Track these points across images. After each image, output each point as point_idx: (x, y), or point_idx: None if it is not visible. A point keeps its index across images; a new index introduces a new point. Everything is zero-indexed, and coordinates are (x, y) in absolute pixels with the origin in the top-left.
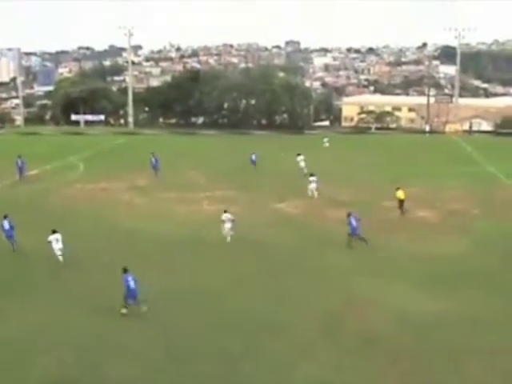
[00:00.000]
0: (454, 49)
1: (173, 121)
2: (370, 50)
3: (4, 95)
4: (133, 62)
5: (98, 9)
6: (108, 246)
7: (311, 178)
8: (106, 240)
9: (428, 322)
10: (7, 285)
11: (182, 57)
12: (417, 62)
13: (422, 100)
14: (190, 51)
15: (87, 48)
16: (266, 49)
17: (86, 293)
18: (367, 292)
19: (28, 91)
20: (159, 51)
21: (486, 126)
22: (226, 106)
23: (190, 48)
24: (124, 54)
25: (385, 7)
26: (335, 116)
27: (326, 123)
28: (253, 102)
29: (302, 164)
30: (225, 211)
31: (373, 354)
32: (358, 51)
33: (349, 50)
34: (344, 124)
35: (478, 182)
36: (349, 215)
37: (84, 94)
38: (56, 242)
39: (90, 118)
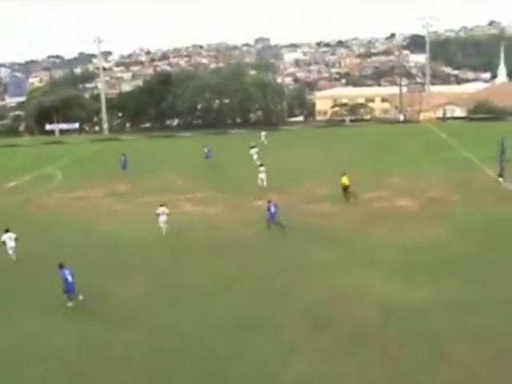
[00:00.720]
0: (422, 37)
1: (147, 125)
2: (340, 43)
3: None
4: (104, 68)
5: (66, 17)
6: (90, 251)
7: (261, 169)
8: (88, 246)
9: (411, 309)
10: None
11: (153, 60)
12: (386, 53)
13: (395, 90)
14: (160, 54)
15: (57, 56)
16: (236, 47)
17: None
18: (351, 284)
19: None
20: (129, 56)
21: (460, 113)
22: (199, 106)
23: (159, 51)
24: (94, 61)
25: None
26: (309, 111)
27: (300, 118)
28: (226, 101)
29: (255, 156)
30: (161, 205)
31: (362, 344)
32: (327, 45)
33: (318, 44)
34: (318, 118)
35: (455, 168)
36: (269, 202)
37: (56, 103)
38: (9, 241)
39: (64, 126)
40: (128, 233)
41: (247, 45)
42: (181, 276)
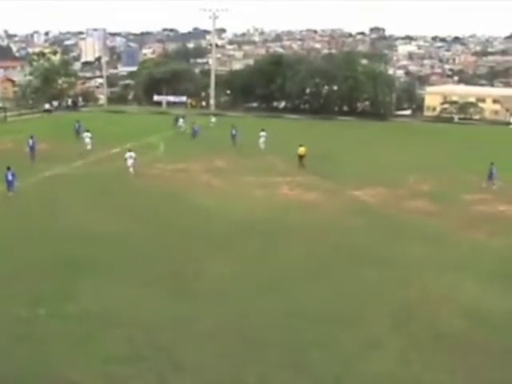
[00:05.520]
0: None
1: (254, 104)
2: (456, 39)
3: (89, 74)
4: (216, 45)
5: None
6: (185, 224)
7: (261, 134)
8: (184, 219)
9: (502, 319)
10: (78, 263)
11: (266, 41)
12: (504, 53)
13: (508, 92)
14: (274, 35)
15: (171, 30)
16: (350, 35)
17: (165, 274)
18: (441, 286)
19: (112, 71)
20: (243, 34)
21: None
22: (308, 91)
23: (273, 32)
24: (208, 37)
25: None
26: (418, 105)
27: (408, 112)
28: (335, 87)
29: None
30: (129, 150)
31: (442, 348)
32: (443, 40)
33: (434, 38)
34: (426, 113)
35: None
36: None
37: (167, 75)
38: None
39: (172, 98)
40: (223, 210)
41: (362, 33)
42: (270, 259)
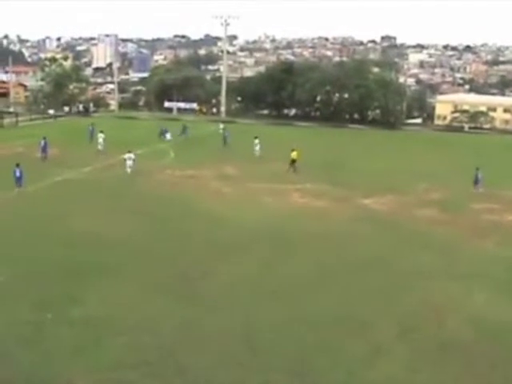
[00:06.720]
0: None
1: (265, 111)
2: (467, 48)
3: (100, 80)
4: (228, 52)
5: None
6: (194, 230)
7: (255, 142)
8: (192, 225)
9: (509, 329)
10: (84, 266)
11: (277, 48)
12: None
13: None
14: (285, 43)
15: (183, 36)
16: (362, 43)
17: (171, 279)
18: (448, 294)
19: (123, 77)
20: (254, 42)
21: None
22: (318, 98)
23: (284, 40)
24: (219, 44)
25: (483, 5)
26: (428, 114)
27: (418, 121)
28: (346, 95)
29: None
30: (128, 151)
31: (448, 356)
32: (454, 49)
33: (445, 47)
34: (437, 122)
35: None
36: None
37: (178, 82)
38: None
39: (182, 105)
40: (232, 216)
41: (373, 41)
42: (277, 266)
